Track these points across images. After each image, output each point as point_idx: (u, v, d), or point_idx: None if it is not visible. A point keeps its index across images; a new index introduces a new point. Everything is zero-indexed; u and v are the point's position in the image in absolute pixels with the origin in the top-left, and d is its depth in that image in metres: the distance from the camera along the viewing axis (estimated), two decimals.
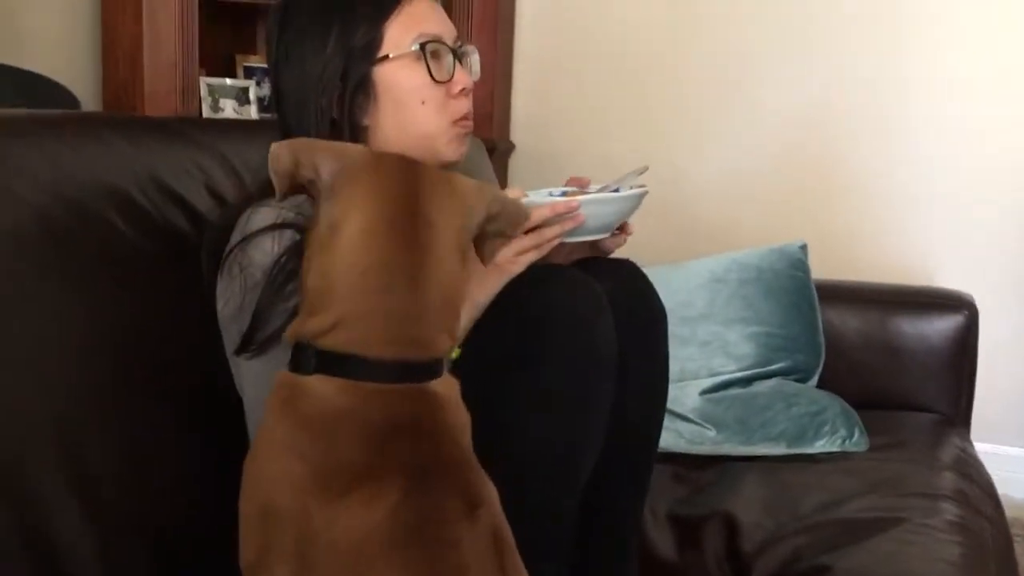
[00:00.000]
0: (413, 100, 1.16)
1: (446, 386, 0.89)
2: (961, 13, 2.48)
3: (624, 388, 1.19)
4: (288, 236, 1.08)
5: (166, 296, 1.21)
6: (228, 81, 2.69)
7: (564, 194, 1.20)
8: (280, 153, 0.88)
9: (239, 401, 1.14)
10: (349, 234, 0.84)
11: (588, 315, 1.11)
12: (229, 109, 2.66)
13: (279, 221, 1.09)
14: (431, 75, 1.15)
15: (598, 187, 1.24)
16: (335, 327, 0.84)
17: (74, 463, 1.07)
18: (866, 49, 2.55)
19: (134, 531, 1.11)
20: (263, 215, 1.10)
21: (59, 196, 1.12)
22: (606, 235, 1.21)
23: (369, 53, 1.14)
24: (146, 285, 1.19)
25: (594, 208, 1.14)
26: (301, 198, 1.09)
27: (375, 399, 0.82)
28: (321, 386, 0.83)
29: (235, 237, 1.11)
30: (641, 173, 1.23)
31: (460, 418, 0.88)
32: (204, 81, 2.59)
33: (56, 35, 2.71)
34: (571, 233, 1.13)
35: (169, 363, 1.20)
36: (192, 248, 1.21)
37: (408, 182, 0.86)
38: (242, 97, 2.70)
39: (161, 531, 1.14)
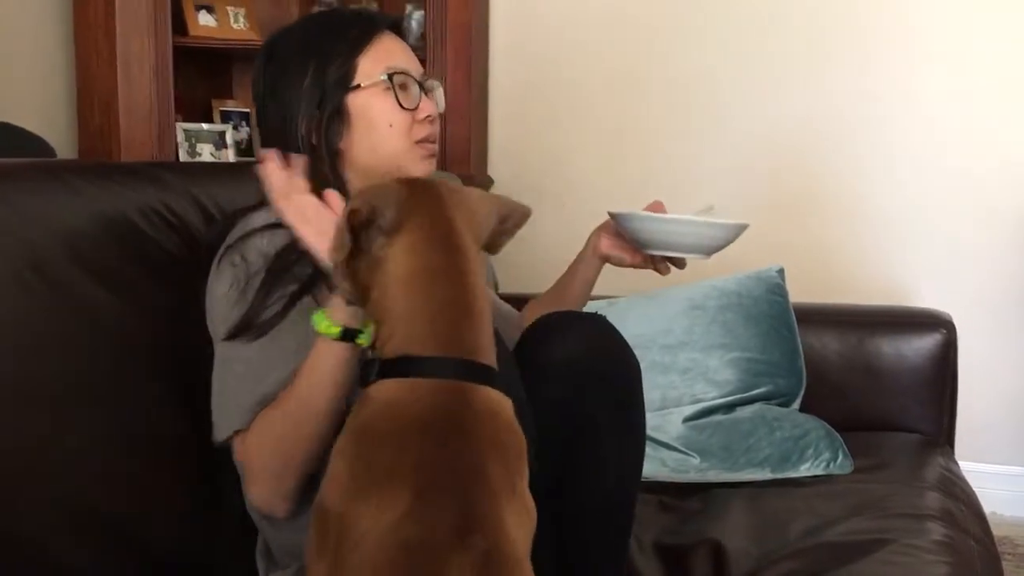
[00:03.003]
0: (382, 123, 1.27)
1: (498, 398, 0.90)
2: (933, 33, 2.51)
3: (598, 453, 1.20)
4: (283, 234, 1.17)
5: (137, 341, 1.21)
6: (205, 126, 2.70)
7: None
8: (359, 205, 0.94)
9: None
10: (396, 251, 0.92)
11: None
12: (206, 154, 2.67)
13: (276, 221, 1.17)
14: (399, 102, 1.26)
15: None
16: (391, 335, 0.91)
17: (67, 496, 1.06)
18: (837, 72, 2.58)
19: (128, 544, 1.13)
20: (260, 216, 1.21)
21: (28, 245, 1.12)
22: (705, 258, 1.34)
23: (343, 83, 1.26)
24: (116, 330, 1.19)
25: (710, 230, 1.29)
26: None
27: (420, 391, 0.87)
28: (378, 390, 0.89)
29: (234, 235, 1.21)
30: (709, 210, 1.36)
31: (499, 428, 0.89)
32: (180, 126, 2.59)
33: (30, 84, 2.71)
34: (687, 249, 1.30)
35: (140, 408, 1.20)
36: (162, 290, 1.21)
37: (437, 200, 0.94)
38: (219, 141, 2.71)
39: (154, 543, 1.16)
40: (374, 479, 0.84)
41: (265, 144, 1.28)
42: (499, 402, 0.90)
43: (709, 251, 1.34)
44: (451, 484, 0.83)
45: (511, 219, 1.02)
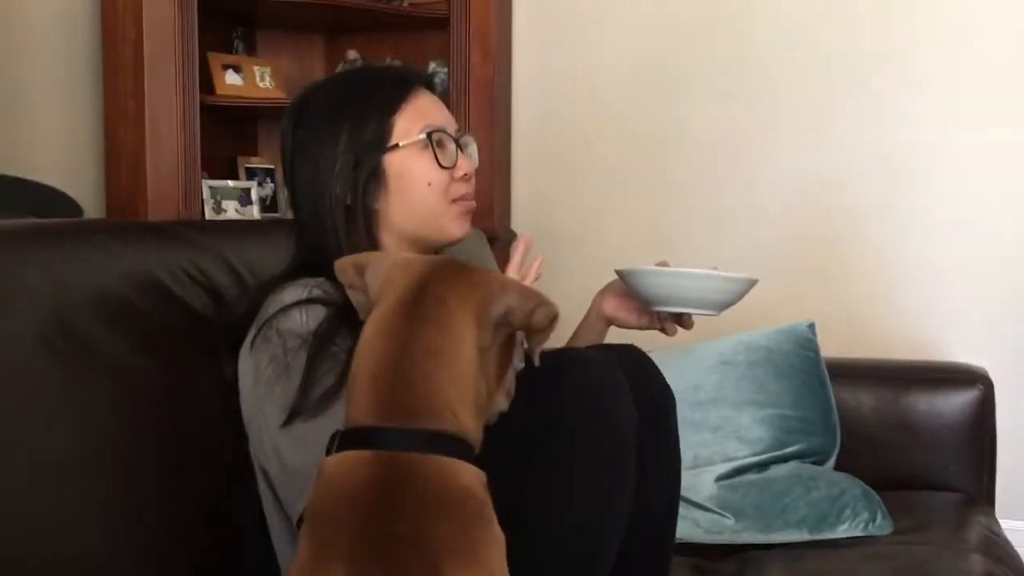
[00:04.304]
0: (420, 183, 1.25)
1: (448, 464, 0.86)
2: (964, 80, 2.49)
3: (642, 474, 1.17)
4: (318, 311, 1.15)
5: (165, 403, 1.19)
6: (230, 183, 2.72)
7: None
8: (344, 267, 0.98)
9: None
10: (369, 322, 0.91)
11: (609, 401, 1.11)
12: (232, 210, 2.68)
13: (308, 296, 1.16)
14: (438, 161, 1.25)
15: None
16: (348, 405, 0.89)
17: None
18: (867, 122, 2.57)
19: None
20: (291, 292, 1.18)
21: (57, 306, 1.11)
22: (714, 315, 1.32)
23: (380, 143, 1.24)
24: (144, 392, 1.18)
25: (718, 284, 1.27)
26: (322, 278, 1.18)
27: (354, 464, 0.85)
28: (327, 464, 0.87)
29: (268, 310, 1.17)
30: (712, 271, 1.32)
31: (445, 495, 0.85)
32: (206, 183, 2.61)
33: (58, 143, 2.75)
34: (695, 304, 1.28)
35: (169, 471, 1.17)
36: (190, 350, 1.19)
37: (426, 270, 0.92)
38: (244, 198, 2.73)
39: None
40: (319, 559, 0.83)
41: (295, 204, 1.27)
42: (449, 467, 0.86)
43: (717, 306, 1.31)
44: (380, 553, 0.81)
45: (517, 313, 0.92)
